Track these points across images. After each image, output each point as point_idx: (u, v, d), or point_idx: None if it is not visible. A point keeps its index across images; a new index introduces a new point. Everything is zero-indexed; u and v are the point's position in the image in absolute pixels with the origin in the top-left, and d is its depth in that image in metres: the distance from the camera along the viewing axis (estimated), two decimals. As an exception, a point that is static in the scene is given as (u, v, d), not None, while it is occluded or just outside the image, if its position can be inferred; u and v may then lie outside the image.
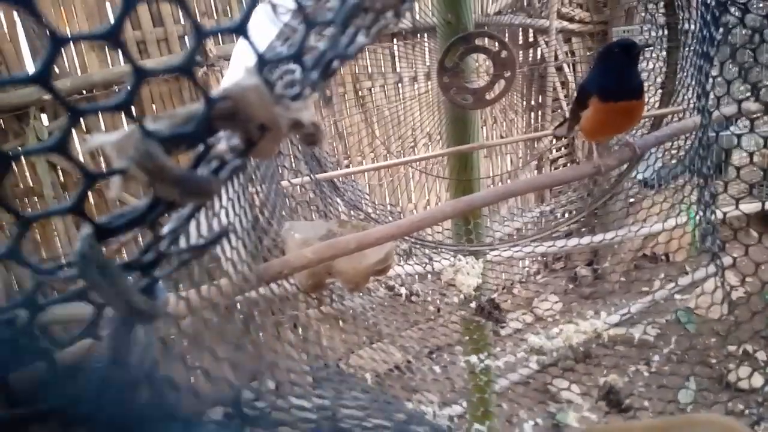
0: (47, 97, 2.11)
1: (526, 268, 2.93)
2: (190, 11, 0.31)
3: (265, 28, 0.54)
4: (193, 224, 0.57)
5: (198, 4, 2.45)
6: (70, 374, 0.38)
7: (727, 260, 1.10)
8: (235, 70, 0.78)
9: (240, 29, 0.33)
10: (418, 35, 2.85)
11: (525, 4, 3.16)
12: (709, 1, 1.00)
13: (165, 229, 0.38)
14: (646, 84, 1.51)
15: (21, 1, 0.25)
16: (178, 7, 0.31)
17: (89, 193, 0.33)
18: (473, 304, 1.35)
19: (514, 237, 1.77)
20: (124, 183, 0.35)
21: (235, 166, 0.40)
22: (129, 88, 0.30)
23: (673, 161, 1.41)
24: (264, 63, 0.35)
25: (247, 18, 0.33)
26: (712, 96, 0.98)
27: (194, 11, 0.32)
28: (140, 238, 0.40)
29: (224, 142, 0.38)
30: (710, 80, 0.99)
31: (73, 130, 0.32)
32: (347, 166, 2.79)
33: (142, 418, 0.37)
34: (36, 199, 2.31)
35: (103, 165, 1.81)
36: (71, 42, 0.29)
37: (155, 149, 0.32)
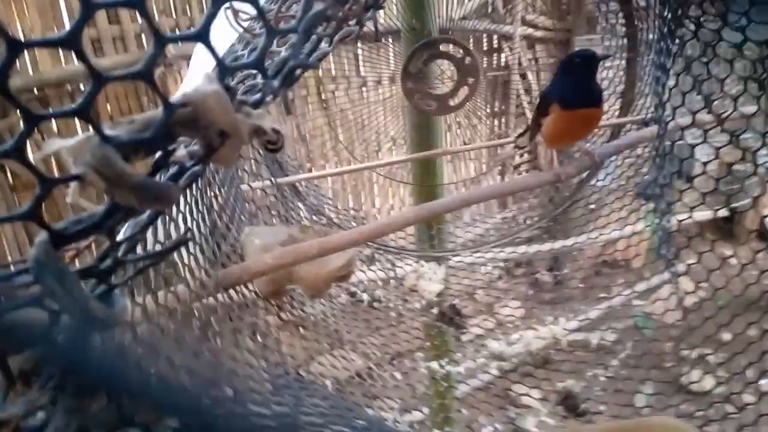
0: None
1: (488, 274, 2.96)
2: (151, 18, 0.30)
3: (225, 32, 0.54)
4: (150, 230, 0.56)
5: (156, 3, 2.40)
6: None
7: (681, 267, 1.13)
8: (196, 74, 0.77)
9: (201, 36, 0.32)
10: (383, 39, 2.85)
11: (490, 10, 3.20)
12: (665, 15, 1.03)
13: (122, 236, 0.37)
14: (605, 93, 1.55)
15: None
16: (137, 12, 0.30)
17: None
18: (435, 310, 1.36)
19: (477, 243, 1.78)
20: (81, 189, 0.34)
21: (195, 173, 0.39)
22: (87, 94, 0.29)
23: (633, 169, 1.44)
24: (225, 70, 0.34)
25: (209, 24, 0.32)
26: (668, 107, 1.01)
27: (152, 13, 0.31)
28: (97, 245, 0.39)
29: (184, 148, 0.38)
30: (667, 91, 1.01)
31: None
32: (310, 170, 2.78)
33: (99, 425, 0.36)
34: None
35: (55, 169, 1.76)
36: (26, 48, 0.28)
37: (113, 155, 0.32)
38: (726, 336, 1.10)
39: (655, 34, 1.21)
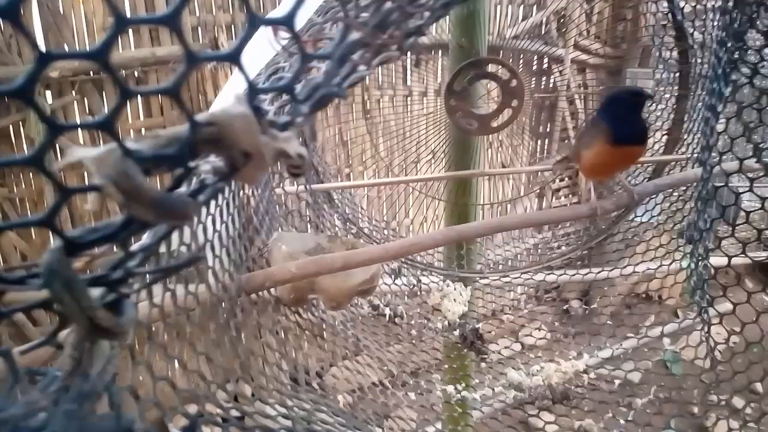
0: (54, 74, 2.10)
1: (516, 295, 2.92)
2: (183, 36, 0.30)
3: (262, 49, 0.54)
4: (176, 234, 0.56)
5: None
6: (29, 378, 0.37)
7: (713, 315, 1.10)
8: (230, 90, 0.77)
9: (233, 57, 0.32)
10: (432, 51, 2.85)
11: (543, 31, 3.17)
12: (721, 56, 1.00)
13: (136, 247, 0.37)
14: (652, 128, 1.51)
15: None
16: (170, 30, 0.30)
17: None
18: (457, 332, 1.34)
19: (506, 266, 1.76)
20: (100, 200, 0.34)
21: (216, 189, 0.39)
22: (113, 107, 0.30)
23: (673, 209, 1.41)
24: (255, 92, 0.34)
25: (242, 46, 0.32)
26: (715, 150, 0.98)
27: (185, 31, 0.31)
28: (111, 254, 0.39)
29: (208, 163, 0.38)
30: (715, 134, 0.98)
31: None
32: (348, 176, 2.79)
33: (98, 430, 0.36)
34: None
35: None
36: (59, 59, 0.28)
37: (133, 169, 0.32)
38: (760, 387, 1.06)
39: (709, 74, 1.18)
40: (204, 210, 0.76)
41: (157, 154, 0.33)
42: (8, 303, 0.36)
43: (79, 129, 0.32)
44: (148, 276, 0.37)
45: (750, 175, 0.96)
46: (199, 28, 2.45)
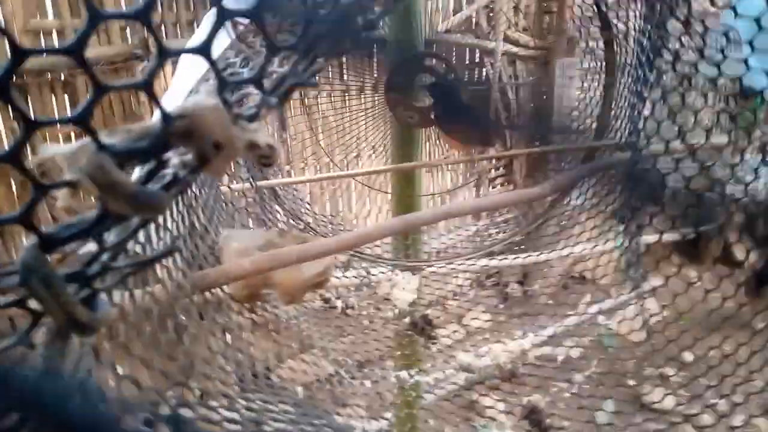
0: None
1: (460, 285, 2.99)
2: (156, 32, 0.31)
3: (219, 37, 0.54)
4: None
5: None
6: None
7: (647, 288, 1.17)
8: (182, 80, 0.77)
9: (204, 50, 0.33)
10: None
11: (473, 25, 3.24)
12: (644, 44, 1.06)
13: (109, 241, 0.38)
14: (583, 114, 1.58)
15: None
16: (144, 26, 0.31)
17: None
18: (407, 319, 1.37)
19: (450, 253, 1.80)
20: (72, 195, 0.35)
21: (185, 182, 0.40)
22: (87, 103, 0.30)
23: (605, 190, 1.48)
24: (225, 84, 0.35)
25: (212, 39, 0.33)
26: (642, 134, 1.04)
27: (158, 26, 0.32)
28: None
29: (177, 157, 0.38)
30: (642, 119, 1.04)
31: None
32: (289, 173, 2.78)
33: (74, 428, 0.36)
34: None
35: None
36: (31, 54, 0.28)
37: (108, 163, 0.32)
38: (688, 357, 1.13)
39: (633, 62, 1.25)
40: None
41: (130, 147, 0.34)
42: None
43: (54, 126, 0.32)
44: (122, 270, 0.38)
45: (675, 155, 1.03)
46: (128, 29, 2.38)
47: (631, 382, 1.57)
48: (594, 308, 1.77)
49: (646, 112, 1.01)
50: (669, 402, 1.34)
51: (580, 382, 1.48)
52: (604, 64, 1.53)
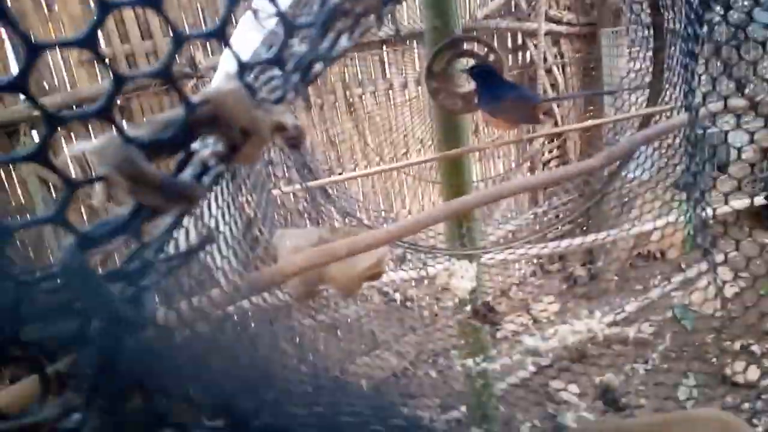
0: (37, 113, 2.10)
1: (522, 271, 2.93)
2: (168, 16, 0.31)
3: (251, 36, 0.54)
4: (182, 234, 0.57)
5: (186, 17, 2.45)
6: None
7: (718, 256, 1.11)
8: (218, 75, 0.78)
9: (218, 33, 0.33)
10: (407, 41, 2.86)
11: (513, 8, 3.18)
12: (692, 0, 1.01)
13: (150, 237, 0.38)
14: (634, 83, 1.53)
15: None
16: (155, 11, 0.31)
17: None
18: (468, 308, 1.35)
19: (508, 239, 1.77)
20: (107, 190, 0.35)
21: (218, 172, 0.40)
22: (107, 94, 0.30)
23: (664, 160, 1.42)
24: (244, 67, 0.35)
25: (226, 22, 0.33)
26: (698, 93, 0.99)
27: (176, 18, 0.32)
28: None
29: (207, 147, 0.38)
30: (696, 77, 0.99)
31: (56, 139, 0.32)
32: (340, 174, 2.79)
33: (134, 425, 0.36)
34: (29, 216, 2.29)
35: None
36: (48, 49, 0.29)
37: (136, 155, 0.32)
38: (769, 325, 1.07)
39: (682, 21, 1.19)
40: (207, 214, 0.77)
41: (155, 138, 0.34)
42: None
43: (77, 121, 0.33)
44: (166, 264, 0.38)
45: (736, 112, 0.97)
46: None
47: (711, 356, 1.50)
48: (665, 283, 1.70)
49: (700, 69, 0.96)
50: (754, 373, 1.27)
51: (655, 358, 1.43)
52: (651, 29, 1.47)
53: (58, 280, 0.33)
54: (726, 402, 1.10)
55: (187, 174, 0.37)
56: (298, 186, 1.34)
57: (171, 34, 0.31)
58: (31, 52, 0.27)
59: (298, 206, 1.33)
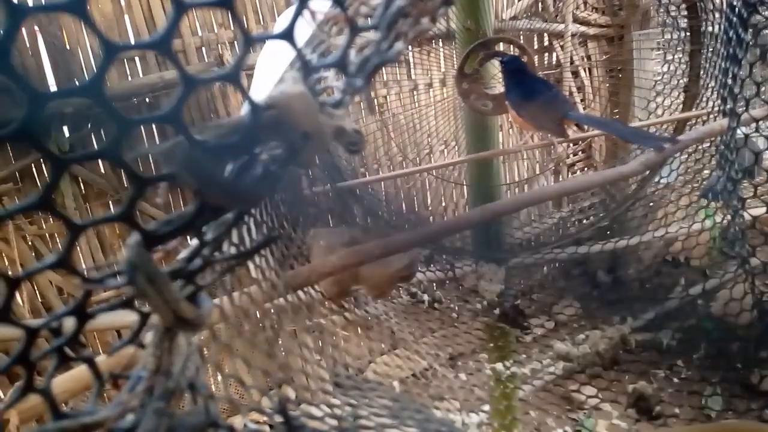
0: (69, 109, 2.12)
1: (547, 274, 2.90)
2: (240, 18, 0.31)
3: (300, 32, 0.54)
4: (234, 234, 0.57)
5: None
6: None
7: (756, 265, 1.09)
8: (262, 80, 0.78)
9: (288, 35, 0.32)
10: (433, 42, 2.85)
11: (540, 8, 3.15)
12: (735, 3, 0.99)
13: (208, 236, 0.38)
14: (668, 87, 1.51)
15: (76, 11, 0.25)
16: (228, 13, 0.31)
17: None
18: (497, 311, 1.34)
19: (533, 243, 1.76)
20: (170, 189, 0.35)
21: (278, 176, 0.39)
22: (178, 98, 0.30)
23: (697, 166, 1.40)
24: (309, 70, 0.35)
25: (294, 24, 0.33)
26: (740, 98, 0.97)
27: (242, 20, 0.32)
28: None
29: (268, 151, 0.38)
30: (738, 82, 0.97)
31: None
32: (364, 176, 2.79)
33: (188, 426, 0.36)
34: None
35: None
36: (125, 50, 0.29)
37: (202, 157, 0.32)
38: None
39: (723, 24, 1.17)
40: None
41: (221, 143, 0.34)
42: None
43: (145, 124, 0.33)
44: (223, 264, 0.38)
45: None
46: (203, 48, 2.46)
47: (741, 366, 1.47)
48: (693, 290, 1.67)
49: (743, 74, 0.94)
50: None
51: (687, 367, 1.40)
52: (687, 32, 1.45)
53: (124, 278, 0.33)
54: (765, 414, 1.07)
55: (249, 176, 0.37)
56: (326, 186, 1.34)
57: (241, 37, 0.30)
58: (109, 53, 0.27)
59: (326, 206, 1.33)
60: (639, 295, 2.05)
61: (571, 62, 3.21)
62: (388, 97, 2.87)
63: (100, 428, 0.33)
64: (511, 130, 2.84)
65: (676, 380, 1.26)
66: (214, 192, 0.34)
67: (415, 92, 2.94)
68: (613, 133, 1.02)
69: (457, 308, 1.41)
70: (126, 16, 2.27)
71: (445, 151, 2.63)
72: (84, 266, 2.32)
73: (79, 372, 0.72)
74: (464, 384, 1.39)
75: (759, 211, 1.05)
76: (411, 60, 2.89)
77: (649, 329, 1.35)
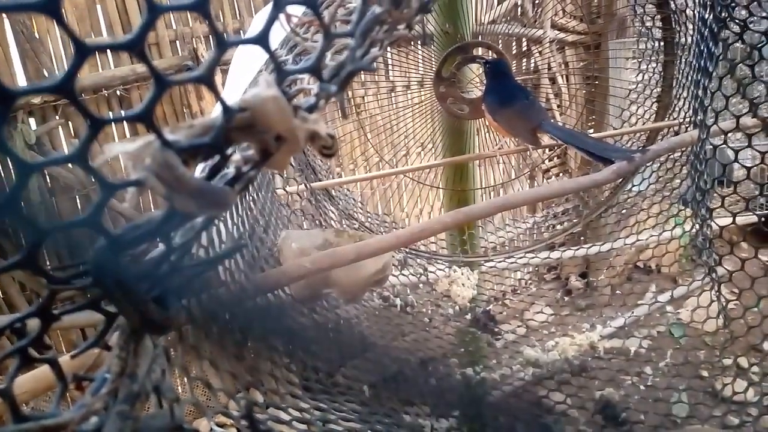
0: (36, 101, 2.08)
1: (520, 279, 2.93)
2: (213, 22, 0.30)
3: (275, 34, 0.54)
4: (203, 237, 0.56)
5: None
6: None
7: (722, 274, 1.11)
8: (237, 78, 0.77)
9: (262, 40, 0.32)
10: (411, 43, 2.85)
11: (519, 13, 3.17)
12: (707, 17, 1.01)
13: (177, 241, 0.37)
14: (641, 96, 1.53)
15: (49, 11, 0.25)
16: (200, 15, 0.30)
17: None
18: (469, 316, 1.35)
19: (506, 247, 1.77)
20: (138, 196, 0.34)
21: (249, 177, 0.39)
22: (150, 98, 0.30)
23: (669, 175, 1.42)
24: (283, 75, 0.34)
25: (269, 28, 0.32)
26: (710, 110, 0.99)
27: (217, 20, 0.31)
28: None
29: (240, 152, 0.38)
30: (708, 95, 0.99)
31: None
32: (340, 175, 2.78)
33: (151, 430, 0.36)
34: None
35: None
36: (98, 51, 0.28)
37: (173, 160, 0.32)
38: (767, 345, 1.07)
39: (695, 37, 1.19)
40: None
41: (193, 143, 0.33)
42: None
43: (118, 123, 0.32)
44: (191, 270, 0.37)
45: (747, 131, 0.97)
46: (177, 42, 2.43)
47: (706, 374, 1.50)
48: (663, 297, 1.70)
49: (713, 86, 0.96)
50: (750, 394, 1.27)
51: (653, 374, 1.43)
52: (661, 42, 1.47)
53: (90, 279, 0.32)
54: (726, 420, 1.10)
55: (220, 179, 0.37)
56: (301, 186, 1.33)
57: (214, 40, 0.30)
58: (81, 54, 0.27)
59: (299, 207, 1.32)
60: (612, 302, 2.07)
61: (549, 68, 3.23)
62: (365, 97, 2.85)
63: (63, 431, 0.32)
64: (487, 134, 2.85)
65: (642, 387, 1.28)
66: (183, 197, 0.33)
67: (392, 93, 2.93)
68: (581, 152, 1.03)
69: (429, 312, 1.41)
70: (98, 7, 2.23)
71: (422, 153, 2.63)
72: (49, 265, 2.27)
73: (42, 372, 0.70)
74: (434, 389, 1.38)
75: (726, 221, 1.07)
76: (389, 61, 2.89)
77: (618, 336, 1.37)
